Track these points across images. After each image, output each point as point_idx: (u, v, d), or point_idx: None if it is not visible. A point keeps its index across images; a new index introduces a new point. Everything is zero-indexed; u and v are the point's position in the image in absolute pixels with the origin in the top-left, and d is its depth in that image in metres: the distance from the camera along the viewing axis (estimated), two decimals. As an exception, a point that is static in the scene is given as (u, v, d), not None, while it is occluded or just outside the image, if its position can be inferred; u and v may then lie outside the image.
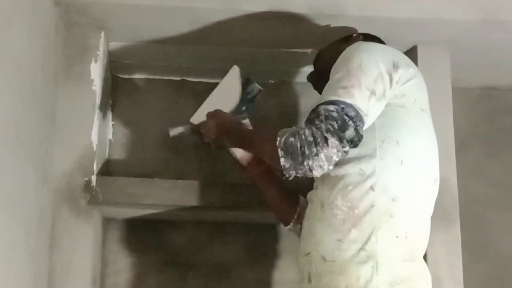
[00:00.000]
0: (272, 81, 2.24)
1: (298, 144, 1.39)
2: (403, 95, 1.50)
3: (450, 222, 1.88)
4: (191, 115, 1.78)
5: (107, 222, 2.10)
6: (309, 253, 1.50)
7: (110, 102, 2.16)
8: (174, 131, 1.78)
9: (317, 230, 1.50)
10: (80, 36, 1.89)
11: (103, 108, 1.96)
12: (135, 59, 2.11)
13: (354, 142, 1.41)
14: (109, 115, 2.14)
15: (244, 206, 1.89)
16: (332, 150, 1.37)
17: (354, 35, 1.74)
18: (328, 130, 1.37)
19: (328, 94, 1.45)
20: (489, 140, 2.33)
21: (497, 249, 2.25)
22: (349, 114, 1.40)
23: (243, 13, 1.82)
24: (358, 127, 1.40)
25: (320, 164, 1.38)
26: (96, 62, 1.88)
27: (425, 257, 1.56)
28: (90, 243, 1.82)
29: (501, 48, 2.03)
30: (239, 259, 2.14)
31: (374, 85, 1.44)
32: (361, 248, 1.42)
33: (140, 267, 2.11)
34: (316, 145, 1.37)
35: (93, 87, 1.88)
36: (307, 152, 1.38)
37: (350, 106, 1.40)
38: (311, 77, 1.83)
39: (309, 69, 2.09)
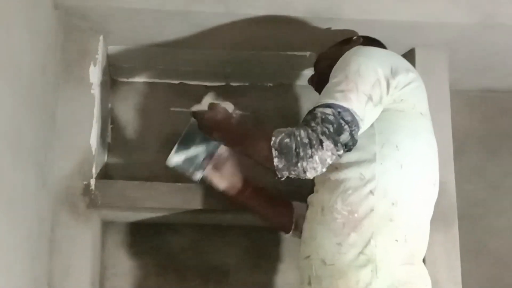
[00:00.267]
0: (271, 84, 2.25)
1: (293, 146, 1.39)
2: (401, 100, 1.50)
3: (448, 224, 1.88)
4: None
5: (106, 225, 2.10)
6: (309, 256, 1.51)
7: (109, 105, 2.16)
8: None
9: (317, 233, 1.50)
10: (79, 40, 1.89)
11: (102, 111, 1.96)
12: (134, 63, 2.11)
13: (348, 147, 1.41)
14: (108, 118, 2.14)
15: (243, 209, 1.89)
16: (327, 153, 1.38)
17: (354, 37, 1.74)
18: (323, 133, 1.38)
19: (326, 97, 1.45)
20: (488, 142, 2.34)
21: (496, 251, 2.26)
22: (345, 118, 1.40)
23: (242, 17, 1.82)
24: (353, 132, 1.40)
25: (314, 166, 1.39)
26: (95, 65, 1.88)
27: (423, 259, 1.56)
28: (89, 247, 1.82)
29: (499, 51, 2.04)
30: (238, 263, 2.14)
31: (371, 90, 1.45)
32: (361, 252, 1.43)
33: (140, 270, 2.11)
34: (311, 147, 1.38)
35: (92, 91, 1.87)
36: (301, 154, 1.38)
37: (347, 110, 1.41)
38: (312, 80, 1.84)
39: (307, 72, 2.10)
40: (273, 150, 1.41)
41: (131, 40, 1.98)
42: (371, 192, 1.45)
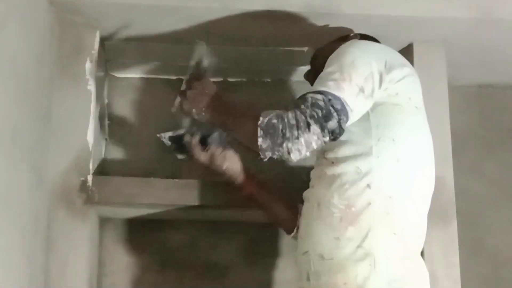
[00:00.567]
0: (269, 80, 2.24)
1: (280, 126, 1.41)
2: (397, 94, 1.51)
3: (447, 220, 1.88)
4: None
5: (103, 222, 2.10)
6: (307, 252, 1.51)
7: (106, 101, 2.15)
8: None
9: (314, 228, 1.50)
10: (75, 36, 1.89)
11: (98, 107, 1.95)
12: (130, 58, 2.11)
13: (335, 134, 1.42)
14: (105, 114, 2.13)
15: (241, 205, 1.88)
16: (313, 137, 1.40)
17: (352, 34, 1.75)
18: (312, 117, 1.40)
19: (318, 85, 1.47)
20: (486, 139, 2.33)
21: (494, 247, 2.25)
22: (335, 106, 1.41)
23: (239, 12, 1.82)
24: (341, 121, 1.41)
25: (299, 148, 1.41)
26: (91, 61, 1.88)
27: (422, 256, 1.56)
28: (86, 243, 1.82)
29: (497, 46, 2.03)
30: (236, 259, 2.14)
31: (364, 82, 1.46)
32: (359, 246, 1.43)
33: (137, 267, 2.11)
34: (298, 129, 1.40)
35: (89, 87, 1.87)
36: (288, 135, 1.40)
37: (338, 99, 1.42)
38: (308, 75, 1.84)
39: (305, 67, 2.09)
40: (258, 129, 1.43)
41: (127, 36, 1.97)
42: (368, 185, 1.45)
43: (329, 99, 1.41)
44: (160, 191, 1.87)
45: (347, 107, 1.42)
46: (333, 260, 1.45)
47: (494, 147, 2.33)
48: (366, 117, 1.50)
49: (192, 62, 1.76)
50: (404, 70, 1.53)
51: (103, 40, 1.98)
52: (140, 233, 2.13)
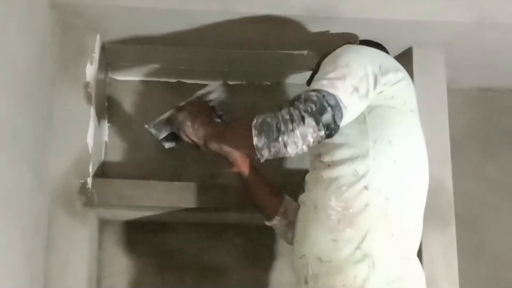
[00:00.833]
0: (268, 83, 2.25)
1: (275, 122, 1.42)
2: (392, 97, 1.52)
3: (446, 222, 1.88)
4: None
5: (103, 224, 2.10)
6: (304, 255, 1.51)
7: (106, 104, 2.15)
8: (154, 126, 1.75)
9: (311, 231, 1.50)
10: (76, 39, 1.89)
11: (98, 110, 1.96)
12: (131, 61, 2.11)
13: (330, 129, 1.41)
14: (105, 117, 2.14)
15: (240, 208, 1.89)
16: (308, 129, 1.40)
17: (354, 41, 1.75)
18: (306, 111, 1.40)
19: (313, 85, 1.48)
20: (485, 141, 2.34)
21: (493, 249, 2.25)
22: (329, 102, 1.42)
23: (239, 15, 1.82)
24: (336, 116, 1.41)
25: (295, 140, 1.41)
26: (91, 64, 1.89)
27: (420, 258, 1.57)
28: (86, 245, 1.82)
29: (496, 49, 2.04)
30: (235, 261, 2.14)
31: (358, 83, 1.47)
32: (357, 247, 1.43)
33: (137, 269, 2.11)
34: (292, 122, 1.40)
35: (89, 89, 1.88)
36: (282, 129, 1.40)
37: (332, 95, 1.43)
38: (309, 82, 1.83)
39: (305, 70, 2.10)
40: (253, 129, 1.44)
41: (128, 39, 1.98)
42: (365, 187, 1.46)
43: (323, 95, 1.42)
44: (160, 194, 1.87)
45: (341, 104, 1.43)
46: (331, 262, 1.45)
47: (493, 149, 2.33)
48: (362, 119, 1.51)
49: (202, 92, 1.78)
50: (398, 74, 1.55)
51: (103, 43, 1.99)
52: (140, 235, 2.13)
